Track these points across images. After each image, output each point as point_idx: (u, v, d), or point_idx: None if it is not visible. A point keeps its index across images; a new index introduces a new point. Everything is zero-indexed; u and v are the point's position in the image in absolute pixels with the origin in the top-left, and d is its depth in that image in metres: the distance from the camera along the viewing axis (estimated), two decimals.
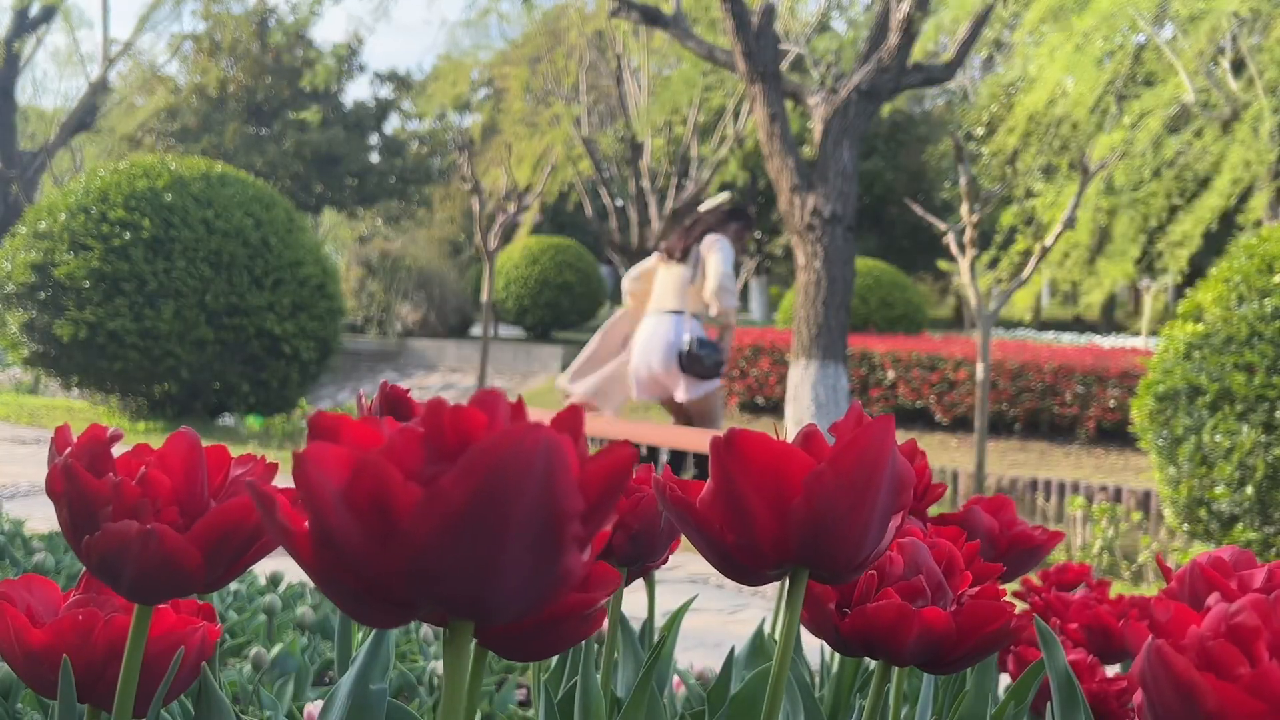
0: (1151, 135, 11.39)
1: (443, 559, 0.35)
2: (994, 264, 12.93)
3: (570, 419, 0.38)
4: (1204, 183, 11.69)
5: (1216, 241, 12.77)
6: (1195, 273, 13.40)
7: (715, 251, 5.15)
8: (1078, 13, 10.82)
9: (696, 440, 4.81)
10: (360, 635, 1.05)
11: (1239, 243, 4.29)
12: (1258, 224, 11.05)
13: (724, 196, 5.63)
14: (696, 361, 4.99)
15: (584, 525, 0.37)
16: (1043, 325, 19.47)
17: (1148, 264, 13.33)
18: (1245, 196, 11.31)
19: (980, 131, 14.57)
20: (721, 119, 13.70)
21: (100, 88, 16.00)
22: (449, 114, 16.52)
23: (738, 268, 5.80)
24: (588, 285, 13.69)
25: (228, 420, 7.24)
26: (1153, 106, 11.32)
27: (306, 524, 0.37)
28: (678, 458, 5.24)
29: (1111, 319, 18.50)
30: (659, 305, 5.25)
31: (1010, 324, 16.87)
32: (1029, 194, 13.04)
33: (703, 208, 5.47)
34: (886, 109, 12.83)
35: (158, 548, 0.58)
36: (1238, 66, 11.38)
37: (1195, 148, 11.50)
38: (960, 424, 8.73)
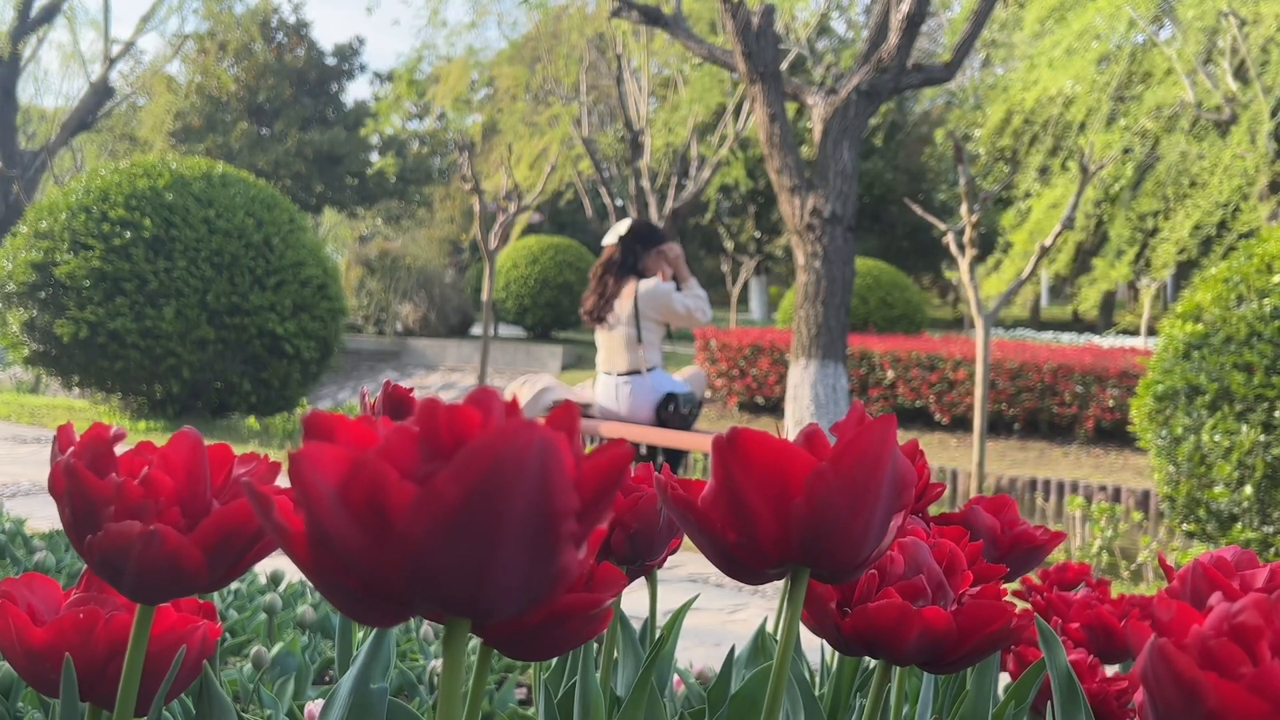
0: (1149, 136, 11.39)
1: (438, 557, 0.35)
2: (992, 262, 12.92)
3: (565, 416, 0.38)
4: (1201, 183, 11.69)
5: (1213, 243, 12.78)
6: (1191, 274, 13.41)
7: (665, 299, 4.97)
8: (1076, 12, 10.83)
9: (695, 440, 4.80)
10: (361, 634, 1.05)
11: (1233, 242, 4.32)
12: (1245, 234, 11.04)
13: (624, 225, 5.19)
14: (681, 419, 4.99)
15: (579, 523, 0.37)
16: (1041, 325, 19.45)
17: (1145, 263, 13.34)
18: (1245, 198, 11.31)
19: (979, 132, 14.57)
20: (722, 119, 13.69)
21: (102, 88, 15.99)
22: (449, 113, 16.51)
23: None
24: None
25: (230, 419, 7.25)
26: (1150, 107, 11.32)
27: (302, 524, 0.37)
28: (673, 457, 5.21)
29: (1109, 319, 18.50)
30: (612, 365, 5.12)
31: (1010, 324, 16.86)
32: (1027, 194, 13.05)
33: (606, 241, 5.21)
34: (885, 108, 12.80)
35: (160, 548, 0.58)
36: (1238, 69, 11.39)
37: (1193, 150, 11.50)
38: (959, 424, 8.73)
